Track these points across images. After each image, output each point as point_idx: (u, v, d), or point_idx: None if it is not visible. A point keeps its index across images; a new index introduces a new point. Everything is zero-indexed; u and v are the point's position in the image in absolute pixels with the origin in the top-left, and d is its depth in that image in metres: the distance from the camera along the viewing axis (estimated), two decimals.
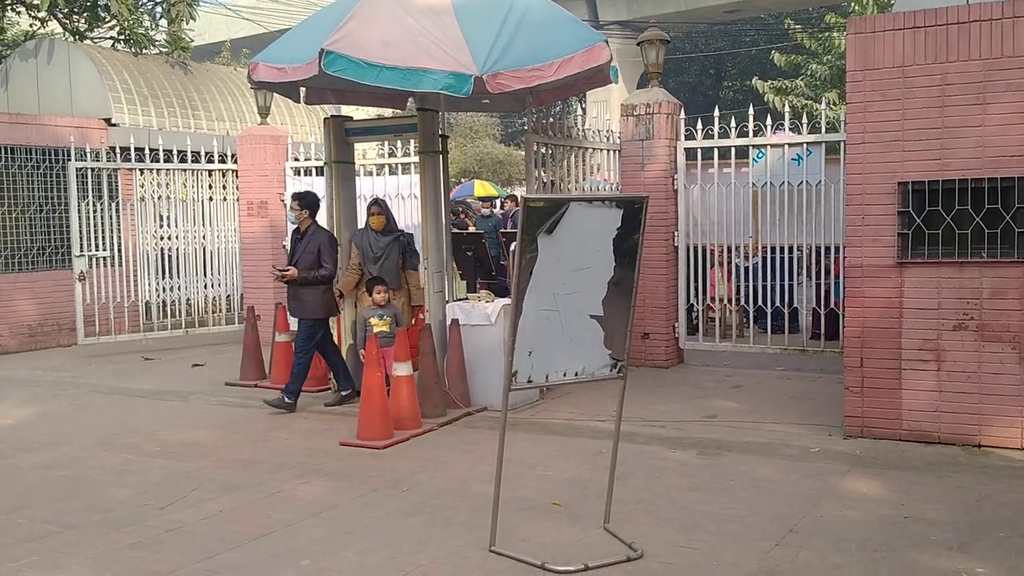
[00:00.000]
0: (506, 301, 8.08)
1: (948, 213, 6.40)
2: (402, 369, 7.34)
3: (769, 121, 9.11)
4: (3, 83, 13.99)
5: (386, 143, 11.41)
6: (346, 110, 11.78)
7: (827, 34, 22.25)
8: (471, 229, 15.77)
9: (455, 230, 15.59)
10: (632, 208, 4.56)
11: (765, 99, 21.58)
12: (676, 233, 9.54)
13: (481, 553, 4.69)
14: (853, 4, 21.83)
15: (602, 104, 25.77)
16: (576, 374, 4.73)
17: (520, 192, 27.07)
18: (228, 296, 12.41)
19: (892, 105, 6.54)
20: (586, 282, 4.57)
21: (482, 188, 25.52)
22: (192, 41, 16.52)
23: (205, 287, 12.23)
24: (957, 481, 5.72)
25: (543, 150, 8.87)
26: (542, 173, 9.10)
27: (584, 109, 11.21)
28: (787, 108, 9.72)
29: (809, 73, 22.72)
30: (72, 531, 5.24)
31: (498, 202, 20.47)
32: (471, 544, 4.83)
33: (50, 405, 8.66)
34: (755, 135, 9.15)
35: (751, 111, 9.15)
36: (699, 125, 9.34)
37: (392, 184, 11.33)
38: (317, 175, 11.94)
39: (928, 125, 6.43)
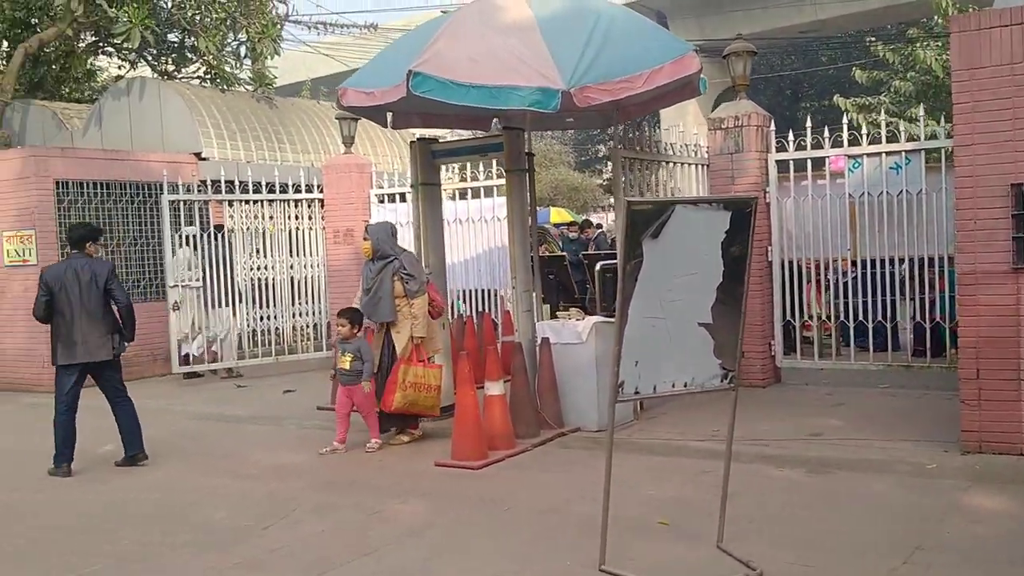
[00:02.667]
0: (597, 319, 7.95)
1: None
2: (495, 388, 7.23)
3: (865, 131, 8.84)
4: (97, 122, 14.46)
5: (468, 166, 11.42)
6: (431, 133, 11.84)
7: (910, 48, 21.71)
8: (550, 253, 15.71)
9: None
10: (741, 211, 4.40)
11: (848, 116, 21.13)
12: (770, 248, 9.27)
13: (591, 572, 4.52)
14: (937, 18, 21.30)
15: (675, 125, 25.57)
16: (685, 384, 4.56)
17: (595, 218, 26.94)
18: (315, 324, 12.50)
19: (1002, 104, 6.24)
20: (694, 288, 4.41)
21: (558, 215, 25.54)
22: (276, 78, 16.88)
23: (294, 315, 12.36)
24: None
25: (633, 166, 8.72)
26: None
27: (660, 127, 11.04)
28: (870, 124, 9.39)
29: (893, 89, 22.18)
30: (176, 551, 5.25)
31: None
32: (579, 563, 4.67)
33: (147, 432, 8.75)
34: (850, 145, 8.87)
35: (845, 121, 8.88)
36: (790, 137, 9.10)
37: (472, 208, 11.33)
38: (400, 201, 12.01)
39: None
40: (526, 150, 8.50)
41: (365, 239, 7.76)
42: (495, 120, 9.83)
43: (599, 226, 19.70)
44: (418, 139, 8.85)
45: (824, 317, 9.70)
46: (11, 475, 7.30)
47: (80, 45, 17.51)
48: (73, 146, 13.88)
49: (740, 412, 8.10)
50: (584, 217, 25.60)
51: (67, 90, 18.10)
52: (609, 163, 47.97)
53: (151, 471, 7.18)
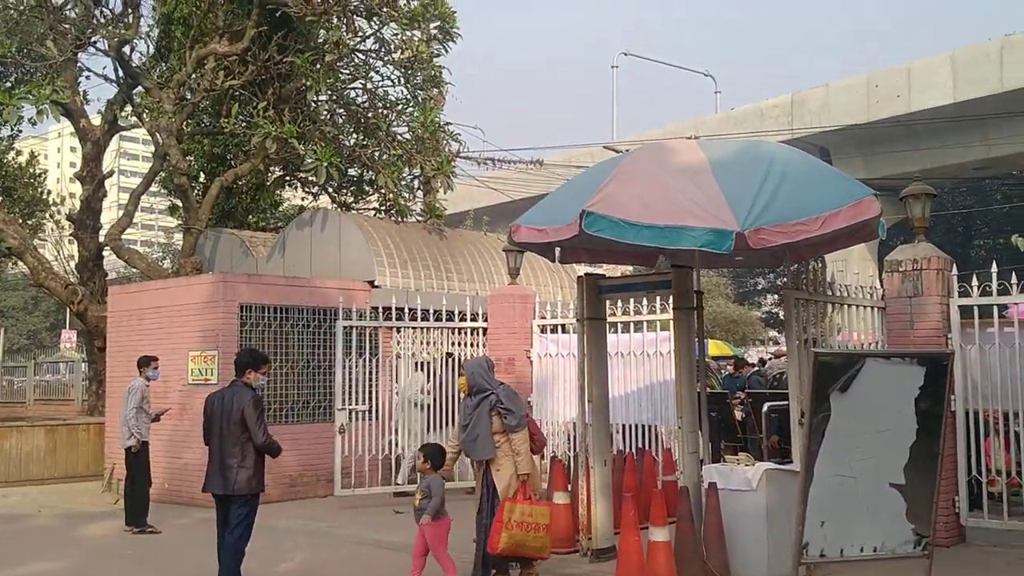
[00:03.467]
0: (768, 465, 7.66)
1: None
2: (660, 535, 7.01)
3: None
4: (280, 250, 15.42)
5: (631, 300, 11.43)
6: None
7: None
8: (710, 389, 15.38)
9: None
10: (936, 365, 4.21)
11: None
12: (953, 397, 8.76)
13: None
14: None
15: (841, 262, 24.85)
16: (875, 549, 4.31)
17: (754, 353, 26.27)
18: None
19: None
20: (886, 446, 4.21)
21: (716, 347, 24.96)
22: (445, 210, 17.61)
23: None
24: None
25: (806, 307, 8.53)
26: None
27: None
28: None
29: None
30: None
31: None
32: None
33: (313, 556, 8.94)
34: None
35: None
36: (974, 282, 8.71)
37: (634, 341, 11.27)
38: (562, 332, 12.12)
39: None
40: (695, 288, 8.46)
41: (461, 375, 7.72)
42: (661, 257, 9.87)
43: (761, 362, 19.24)
44: (586, 274, 8.98)
45: (1013, 473, 9.01)
46: None
47: (269, 178, 18.89)
48: (257, 272, 14.82)
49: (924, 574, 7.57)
50: (742, 353, 25.08)
51: (254, 219, 19.45)
52: (768, 296, 47.08)
53: None
